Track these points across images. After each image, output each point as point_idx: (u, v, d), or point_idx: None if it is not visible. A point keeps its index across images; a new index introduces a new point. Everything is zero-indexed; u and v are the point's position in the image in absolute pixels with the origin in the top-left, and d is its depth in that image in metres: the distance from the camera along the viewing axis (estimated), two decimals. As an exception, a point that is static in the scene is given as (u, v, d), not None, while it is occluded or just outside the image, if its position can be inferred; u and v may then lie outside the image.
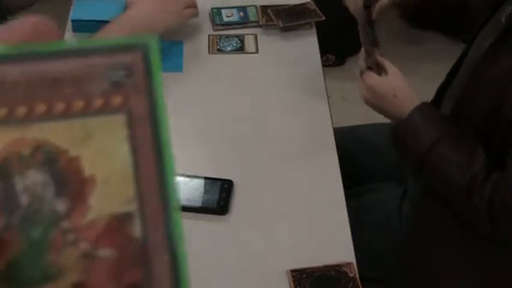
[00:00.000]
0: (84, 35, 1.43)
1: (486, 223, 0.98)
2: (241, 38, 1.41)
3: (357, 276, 0.97)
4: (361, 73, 1.14)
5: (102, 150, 0.27)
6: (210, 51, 1.38)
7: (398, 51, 1.35)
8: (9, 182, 0.26)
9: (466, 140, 1.02)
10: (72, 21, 1.44)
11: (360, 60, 1.16)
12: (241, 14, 1.46)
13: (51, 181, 0.27)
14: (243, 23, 1.44)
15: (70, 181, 0.27)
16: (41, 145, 0.27)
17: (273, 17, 1.39)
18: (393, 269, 1.19)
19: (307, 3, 1.44)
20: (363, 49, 1.18)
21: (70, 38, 1.42)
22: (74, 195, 0.27)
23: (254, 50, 1.38)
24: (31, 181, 0.27)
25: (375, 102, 1.11)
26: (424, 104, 1.07)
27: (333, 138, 1.19)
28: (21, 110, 0.27)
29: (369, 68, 1.15)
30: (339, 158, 1.17)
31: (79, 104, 0.27)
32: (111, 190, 0.27)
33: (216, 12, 1.44)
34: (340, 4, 1.44)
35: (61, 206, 0.27)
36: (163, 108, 0.27)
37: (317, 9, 1.42)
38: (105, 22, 1.40)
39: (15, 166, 0.27)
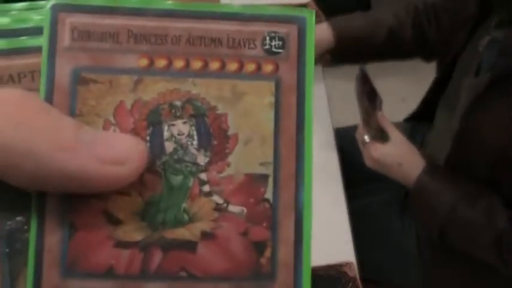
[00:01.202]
0: None
1: None
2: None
3: (357, 276, 0.98)
4: (363, 142, 1.13)
5: (248, 113, 0.28)
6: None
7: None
8: (158, 128, 0.28)
9: (481, 195, 1.00)
10: None
11: (359, 129, 1.15)
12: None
13: (196, 134, 0.28)
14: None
15: (214, 136, 0.28)
16: (192, 98, 0.28)
17: None
18: (397, 275, 1.19)
19: (307, 3, 1.44)
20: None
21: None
22: (216, 150, 0.28)
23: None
24: (177, 131, 0.28)
25: (382, 171, 1.10)
26: (429, 166, 1.06)
27: (333, 138, 1.20)
28: (179, 64, 0.28)
29: (369, 131, 1.14)
30: (339, 158, 1.18)
31: (233, 66, 0.28)
32: (250, 151, 0.28)
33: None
34: (340, 3, 1.45)
35: (202, 158, 0.28)
36: (311, 81, 0.28)
37: (317, 9, 1.43)
38: None
39: (166, 115, 0.28)
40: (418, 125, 1.36)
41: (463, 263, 1.12)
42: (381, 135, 1.15)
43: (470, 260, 1.09)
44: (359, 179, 1.31)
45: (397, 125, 1.19)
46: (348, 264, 1.01)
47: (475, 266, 1.11)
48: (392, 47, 1.30)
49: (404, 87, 1.41)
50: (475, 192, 1.04)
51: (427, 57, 1.37)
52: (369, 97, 1.20)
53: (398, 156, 1.11)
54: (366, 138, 1.15)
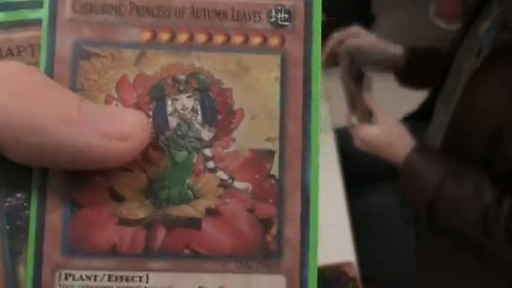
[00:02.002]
0: None
1: (509, 253, 0.98)
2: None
3: (357, 276, 0.97)
4: (352, 125, 1.13)
5: (254, 87, 0.28)
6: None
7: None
8: (161, 103, 0.27)
9: (469, 172, 1.01)
10: None
11: (347, 113, 1.15)
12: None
13: (200, 108, 0.27)
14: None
15: (218, 111, 0.27)
16: (196, 72, 0.27)
17: None
18: (397, 274, 1.19)
19: None
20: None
21: None
22: (220, 125, 0.27)
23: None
24: (181, 106, 0.27)
25: (372, 152, 1.11)
26: (418, 145, 1.07)
27: (333, 139, 1.20)
28: (183, 37, 0.27)
29: (357, 113, 1.14)
30: (340, 158, 1.17)
31: (238, 39, 0.28)
32: (256, 127, 0.27)
33: None
34: (340, 2, 1.45)
35: (206, 134, 0.27)
36: (318, 54, 0.28)
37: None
38: None
39: (169, 89, 0.27)
40: (416, 123, 1.36)
41: (462, 261, 1.12)
42: (369, 117, 1.15)
43: (470, 258, 1.09)
44: (359, 178, 1.30)
45: None
46: (347, 264, 1.00)
47: (475, 265, 1.10)
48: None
49: (399, 91, 1.41)
50: (462, 169, 1.04)
51: None
52: (356, 80, 1.20)
53: (387, 136, 1.11)
54: (354, 120, 1.15)
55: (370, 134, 1.12)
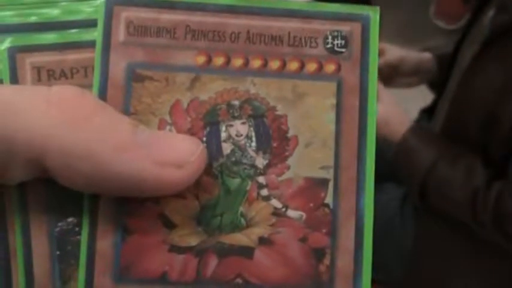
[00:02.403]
0: None
1: (499, 237, 0.99)
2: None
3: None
4: None
5: (309, 115, 0.27)
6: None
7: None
8: (215, 129, 0.27)
9: (463, 155, 1.02)
10: None
11: None
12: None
13: (254, 135, 0.27)
14: None
15: (273, 138, 0.27)
16: (251, 98, 0.27)
17: None
18: (397, 274, 1.19)
19: None
20: None
21: None
22: (275, 153, 0.27)
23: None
24: (235, 132, 0.27)
25: None
26: (415, 125, 1.08)
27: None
28: (238, 62, 0.27)
29: None
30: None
31: (293, 65, 0.27)
32: (310, 155, 0.27)
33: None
34: (339, 2, 1.45)
35: (260, 161, 0.27)
36: (375, 82, 0.27)
37: None
38: None
39: (223, 115, 0.27)
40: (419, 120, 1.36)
41: (456, 249, 1.13)
42: None
43: (464, 245, 1.09)
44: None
45: None
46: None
47: (472, 263, 1.11)
48: None
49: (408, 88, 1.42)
50: (456, 152, 1.05)
51: None
52: None
53: (385, 114, 1.11)
54: None
55: None
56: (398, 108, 1.13)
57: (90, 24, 0.27)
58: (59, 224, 0.26)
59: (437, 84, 1.32)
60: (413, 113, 1.42)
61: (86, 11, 0.28)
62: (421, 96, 1.41)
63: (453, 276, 1.16)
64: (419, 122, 1.32)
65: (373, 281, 0.89)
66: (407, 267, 1.20)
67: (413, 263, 1.20)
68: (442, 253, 1.17)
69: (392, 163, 1.11)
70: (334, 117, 0.27)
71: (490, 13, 1.07)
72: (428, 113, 1.36)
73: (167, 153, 0.25)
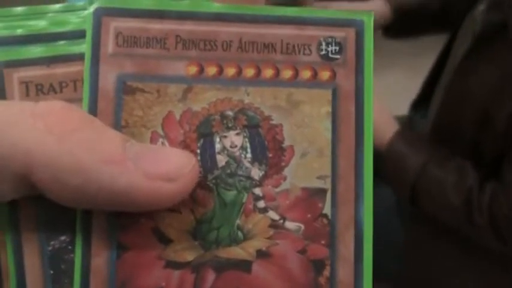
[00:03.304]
0: None
1: (494, 241, 0.98)
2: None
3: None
4: None
5: (304, 123, 0.27)
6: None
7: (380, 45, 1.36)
8: (209, 141, 0.26)
9: (452, 157, 1.01)
10: None
11: None
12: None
13: (249, 146, 0.26)
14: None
15: (268, 149, 0.26)
16: (245, 108, 0.26)
17: None
18: (394, 272, 1.19)
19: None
20: None
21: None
22: (271, 163, 0.26)
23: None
24: (229, 143, 0.26)
25: None
26: (402, 129, 1.07)
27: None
28: (230, 71, 0.26)
29: None
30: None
31: (287, 73, 0.27)
32: (307, 164, 0.27)
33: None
34: None
35: (256, 172, 0.26)
36: (370, 88, 0.27)
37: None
38: None
39: (217, 126, 0.26)
40: (418, 115, 1.35)
41: (447, 250, 1.12)
42: None
43: (455, 247, 1.09)
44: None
45: (398, 118, 1.18)
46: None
47: (463, 264, 1.11)
48: (446, 17, 1.30)
49: (403, 81, 1.41)
50: (445, 154, 1.04)
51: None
52: None
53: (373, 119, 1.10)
54: None
55: None
56: (384, 112, 1.12)
57: (79, 35, 0.27)
58: (52, 242, 0.25)
59: (393, 31, 1.33)
60: (404, 107, 1.42)
61: (73, 21, 0.27)
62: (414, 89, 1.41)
63: (446, 276, 1.15)
64: (411, 118, 1.32)
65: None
66: (401, 264, 1.20)
67: (407, 260, 1.20)
68: (434, 253, 1.17)
69: (381, 169, 1.10)
70: (330, 125, 0.27)
71: (481, 7, 1.06)
72: (417, 107, 1.36)
73: (158, 167, 0.24)
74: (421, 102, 1.34)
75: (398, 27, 1.32)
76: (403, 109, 1.41)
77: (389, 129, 1.09)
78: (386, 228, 1.23)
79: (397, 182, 1.09)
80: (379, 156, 1.10)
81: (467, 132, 1.03)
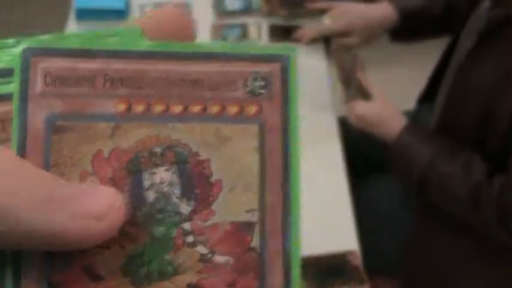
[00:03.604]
0: (87, 23, 1.41)
1: (501, 232, 0.98)
2: (244, 27, 1.41)
3: (361, 264, 0.97)
4: (346, 101, 1.13)
5: (232, 158, 0.27)
6: (213, 40, 1.38)
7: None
8: (138, 177, 0.27)
9: (460, 150, 1.02)
10: (76, 9, 1.43)
11: (340, 90, 1.16)
12: (245, 2, 1.46)
13: (178, 181, 0.27)
14: (247, 11, 1.44)
15: (197, 184, 0.27)
16: (173, 144, 0.27)
17: (276, 5, 1.39)
18: (399, 265, 1.19)
19: None
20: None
21: (74, 27, 1.41)
22: (199, 198, 0.27)
23: (257, 38, 1.38)
24: (159, 179, 0.27)
25: (365, 128, 1.11)
26: (410, 123, 1.08)
27: (336, 127, 1.20)
28: (158, 108, 0.27)
29: (351, 91, 1.15)
30: (344, 148, 1.17)
31: (214, 109, 0.27)
32: (235, 198, 0.27)
33: (219, 1, 1.44)
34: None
35: (185, 207, 0.27)
36: (296, 121, 0.27)
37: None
38: (109, 11, 1.39)
39: (145, 162, 0.27)
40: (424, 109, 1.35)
41: (455, 240, 1.13)
42: (363, 95, 1.16)
43: (463, 238, 1.09)
44: (363, 169, 1.30)
45: (405, 113, 1.19)
46: (352, 253, 1.01)
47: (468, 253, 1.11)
48: (449, 19, 1.31)
49: (407, 77, 1.41)
50: (453, 147, 1.06)
51: None
52: (350, 61, 1.20)
53: (380, 113, 1.13)
54: (348, 95, 1.16)
55: (364, 110, 1.13)
56: (393, 106, 1.13)
57: (7, 73, 0.27)
58: None
59: (400, 34, 1.33)
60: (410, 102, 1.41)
61: (4, 59, 0.27)
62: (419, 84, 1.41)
63: (453, 267, 1.15)
64: (418, 114, 1.31)
65: (375, 270, 0.89)
66: (407, 257, 1.20)
67: (414, 253, 1.20)
68: (442, 246, 1.17)
69: (389, 161, 1.11)
70: (258, 159, 0.27)
71: (486, 4, 1.06)
72: (423, 102, 1.35)
73: (87, 206, 0.25)
74: (426, 97, 1.34)
75: (403, 30, 1.32)
76: (409, 104, 1.41)
77: (395, 122, 1.10)
78: (391, 223, 1.23)
79: (405, 175, 1.10)
80: (387, 149, 1.11)
81: (472, 126, 1.04)
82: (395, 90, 1.40)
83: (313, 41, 1.40)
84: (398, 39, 1.36)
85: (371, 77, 1.20)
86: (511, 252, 1.07)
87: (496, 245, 1.06)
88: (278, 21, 1.45)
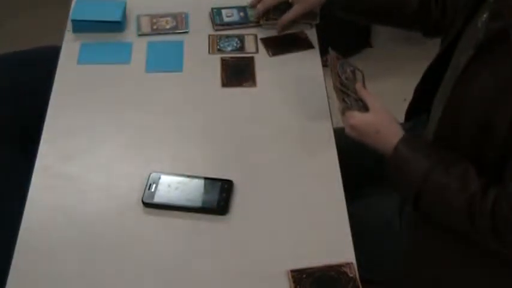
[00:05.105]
0: (84, 35, 1.42)
1: (496, 243, 0.98)
2: (241, 38, 1.42)
3: (357, 276, 0.97)
4: (343, 112, 1.14)
5: None
6: (210, 51, 1.40)
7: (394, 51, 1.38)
8: None
9: (456, 162, 1.02)
10: (72, 21, 1.43)
11: (337, 101, 1.17)
12: (241, 14, 1.48)
13: None
14: (243, 23, 1.45)
15: None
16: None
17: (263, 46, 1.41)
18: (395, 275, 1.20)
19: (299, 32, 1.45)
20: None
21: (71, 37, 1.41)
22: None
23: (254, 50, 1.40)
24: None
25: (360, 139, 1.11)
26: (407, 135, 1.08)
27: (333, 139, 1.20)
28: None
29: (347, 102, 1.15)
30: (339, 159, 1.17)
31: None
32: None
33: (216, 12, 1.46)
34: (341, 34, 1.46)
35: None
36: None
37: (308, 37, 1.45)
38: (105, 22, 1.39)
39: None
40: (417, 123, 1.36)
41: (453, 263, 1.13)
42: (360, 105, 1.15)
43: (464, 262, 1.10)
44: (359, 180, 1.30)
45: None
46: (347, 264, 1.01)
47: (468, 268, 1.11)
48: (396, 11, 1.33)
49: (405, 87, 1.41)
50: (449, 160, 1.05)
51: (428, 33, 1.39)
52: (347, 72, 1.21)
53: (376, 124, 1.11)
54: (344, 106, 1.16)
55: (360, 121, 1.12)
56: (388, 116, 1.12)
57: None
58: None
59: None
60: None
61: None
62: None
63: (449, 276, 1.16)
64: (414, 125, 1.31)
65: (371, 281, 0.90)
66: (405, 268, 1.21)
67: (411, 264, 1.20)
68: (439, 258, 1.17)
69: (386, 173, 1.10)
70: None
71: (484, 17, 1.07)
72: (411, 119, 1.36)
73: None
74: (414, 112, 1.35)
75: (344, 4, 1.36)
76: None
77: (392, 133, 1.10)
78: (387, 234, 1.23)
79: (401, 186, 1.09)
80: (383, 160, 1.11)
81: (469, 138, 1.04)
82: (394, 101, 1.40)
83: (309, 48, 1.42)
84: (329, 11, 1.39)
85: (368, 88, 1.20)
86: (508, 260, 1.07)
87: (493, 253, 1.06)
88: (271, 27, 1.45)
